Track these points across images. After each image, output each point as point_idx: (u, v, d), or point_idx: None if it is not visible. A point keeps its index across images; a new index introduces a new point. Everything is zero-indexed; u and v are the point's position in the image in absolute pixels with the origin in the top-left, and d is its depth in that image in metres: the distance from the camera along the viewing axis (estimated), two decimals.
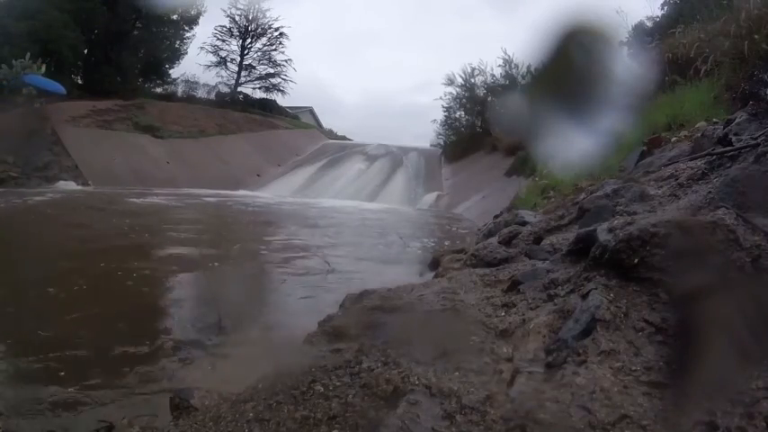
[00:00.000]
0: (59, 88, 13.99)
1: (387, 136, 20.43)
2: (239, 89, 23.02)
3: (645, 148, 3.97)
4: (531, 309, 1.55)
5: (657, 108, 4.83)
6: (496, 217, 5.28)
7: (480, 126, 17.03)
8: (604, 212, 2.19)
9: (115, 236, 5.74)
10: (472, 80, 17.83)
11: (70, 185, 12.15)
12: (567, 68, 1.40)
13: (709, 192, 1.96)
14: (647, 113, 4.62)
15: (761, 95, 3.31)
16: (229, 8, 22.52)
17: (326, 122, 28.26)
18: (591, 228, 1.74)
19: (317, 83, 50.24)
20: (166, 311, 3.19)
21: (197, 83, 22.06)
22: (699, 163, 2.49)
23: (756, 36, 4.11)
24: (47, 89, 13.96)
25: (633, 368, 1.09)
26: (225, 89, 22.69)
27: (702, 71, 4.87)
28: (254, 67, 23.52)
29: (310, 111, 27.69)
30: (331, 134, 25.92)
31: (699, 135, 3.27)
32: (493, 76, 17.37)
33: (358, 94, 65.48)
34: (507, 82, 16.28)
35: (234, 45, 23.17)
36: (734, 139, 2.51)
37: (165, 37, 20.03)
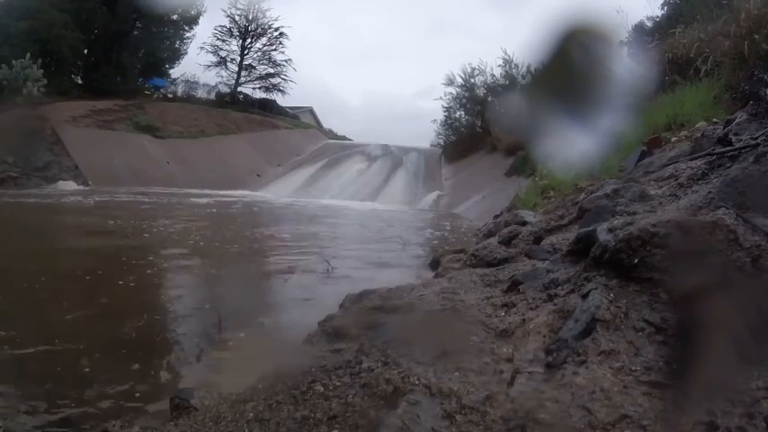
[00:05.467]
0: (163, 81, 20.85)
1: (390, 138, 20.40)
2: (239, 89, 23.04)
3: (645, 148, 3.96)
4: (531, 309, 1.55)
5: (657, 108, 4.83)
6: (496, 217, 5.28)
7: (480, 126, 17.02)
8: (604, 212, 2.19)
9: (115, 235, 5.74)
10: (472, 80, 17.83)
11: (70, 185, 12.16)
12: (567, 68, 1.40)
13: (709, 192, 1.95)
14: (647, 113, 4.62)
15: (761, 95, 3.30)
16: (229, 8, 22.54)
17: (333, 125, 28.35)
18: (591, 228, 1.74)
19: (325, 87, 50.32)
20: (166, 311, 3.19)
21: (197, 83, 22.11)
22: (699, 163, 2.49)
23: (756, 36, 4.11)
24: (160, 85, 20.62)
25: (633, 368, 1.09)
26: (225, 89, 22.72)
27: (702, 71, 4.87)
28: (254, 67, 23.53)
29: (310, 111, 27.68)
30: (331, 134, 25.92)
31: (699, 135, 3.27)
32: (493, 76, 17.37)
33: (363, 98, 65.82)
34: (507, 82, 16.26)
35: (234, 45, 23.18)
36: (734, 139, 2.51)
37: (165, 37, 20.05)
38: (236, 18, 22.80)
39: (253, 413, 1.24)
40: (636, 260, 1.32)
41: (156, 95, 19.88)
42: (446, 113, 19.16)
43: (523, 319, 1.47)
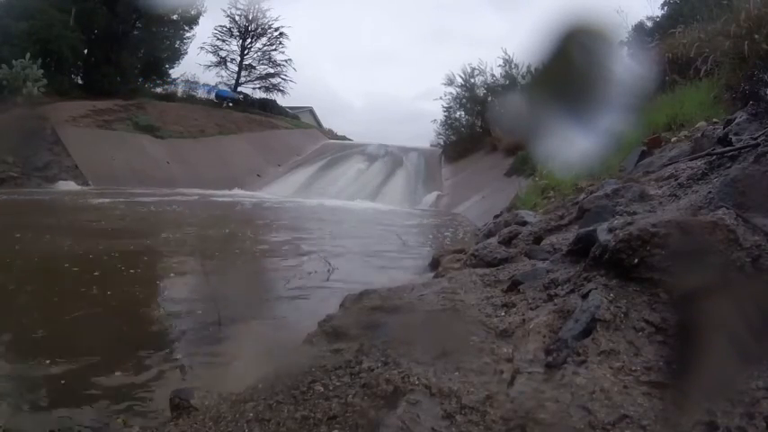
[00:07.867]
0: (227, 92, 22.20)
1: (391, 138, 20.38)
2: (239, 89, 23.03)
3: (645, 148, 3.97)
4: (531, 309, 1.54)
5: (657, 108, 4.83)
6: (496, 217, 5.28)
7: (480, 126, 17.02)
8: (604, 212, 2.19)
9: (116, 236, 5.73)
10: (472, 80, 17.84)
11: (70, 185, 12.16)
12: (567, 68, 1.40)
13: (709, 192, 1.95)
14: (647, 113, 4.61)
15: (761, 95, 3.30)
16: (229, 8, 22.57)
17: (335, 126, 28.28)
18: (591, 228, 1.74)
19: (327, 88, 50.44)
20: (167, 311, 3.19)
21: (197, 83, 22.08)
22: (699, 163, 2.49)
23: (756, 36, 4.10)
24: (231, 97, 21.85)
25: (633, 368, 1.09)
26: (225, 89, 22.72)
27: (702, 71, 4.87)
28: (254, 67, 23.54)
29: (310, 111, 27.68)
30: (331, 134, 25.91)
31: (699, 135, 3.27)
32: (493, 76, 17.39)
33: (365, 100, 65.76)
34: (507, 82, 16.27)
35: (234, 45, 23.21)
36: (734, 139, 2.51)
37: (165, 37, 20.03)
38: (236, 18, 22.86)
39: (253, 413, 1.24)
40: (636, 260, 1.32)
41: (224, 105, 21.16)
42: (446, 113, 19.17)
43: (523, 319, 1.47)
